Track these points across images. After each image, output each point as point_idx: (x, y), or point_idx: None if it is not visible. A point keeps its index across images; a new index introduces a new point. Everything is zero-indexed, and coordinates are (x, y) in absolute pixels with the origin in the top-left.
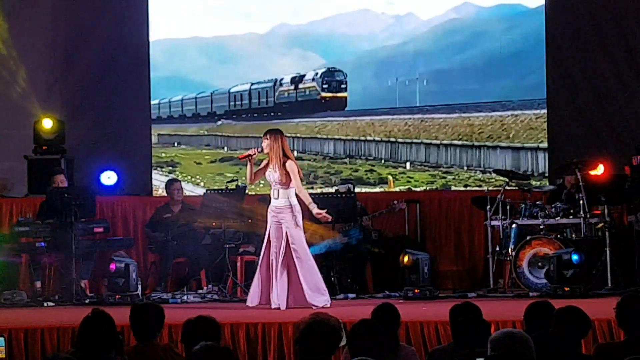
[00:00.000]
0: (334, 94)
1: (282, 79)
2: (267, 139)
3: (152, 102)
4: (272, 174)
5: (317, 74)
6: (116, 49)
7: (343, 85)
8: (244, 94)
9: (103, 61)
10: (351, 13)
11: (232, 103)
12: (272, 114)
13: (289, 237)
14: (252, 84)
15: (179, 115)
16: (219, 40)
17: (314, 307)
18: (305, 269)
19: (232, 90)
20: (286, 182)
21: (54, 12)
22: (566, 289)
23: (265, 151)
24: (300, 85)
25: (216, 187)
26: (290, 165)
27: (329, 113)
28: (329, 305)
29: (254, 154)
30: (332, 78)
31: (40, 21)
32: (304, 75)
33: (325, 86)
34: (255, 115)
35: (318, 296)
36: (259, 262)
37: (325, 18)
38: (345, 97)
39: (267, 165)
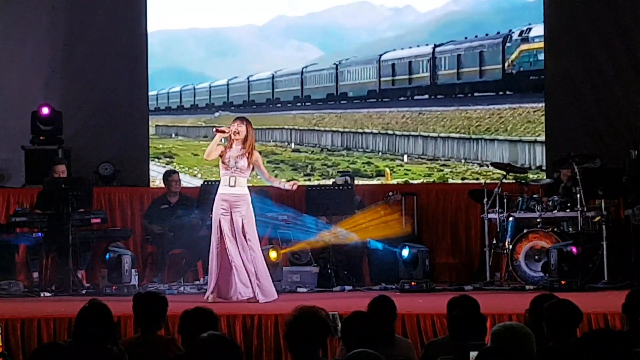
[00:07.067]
0: None
1: (509, 33)
2: (243, 124)
3: (187, 88)
4: (236, 160)
5: None
6: (114, 40)
7: None
8: (400, 63)
9: (101, 52)
10: (349, 5)
11: (384, 78)
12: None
13: (245, 226)
14: (420, 48)
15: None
16: (217, 31)
17: (265, 301)
18: (259, 261)
19: (384, 58)
20: (248, 171)
21: (52, 2)
22: (563, 282)
23: (240, 136)
24: None
25: (213, 179)
26: (257, 155)
27: (326, 105)
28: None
29: (229, 134)
30: None
31: (39, 11)
32: None
33: None
34: (442, 96)
35: (271, 289)
36: (215, 253)
37: (324, 10)
38: None
39: (229, 149)
